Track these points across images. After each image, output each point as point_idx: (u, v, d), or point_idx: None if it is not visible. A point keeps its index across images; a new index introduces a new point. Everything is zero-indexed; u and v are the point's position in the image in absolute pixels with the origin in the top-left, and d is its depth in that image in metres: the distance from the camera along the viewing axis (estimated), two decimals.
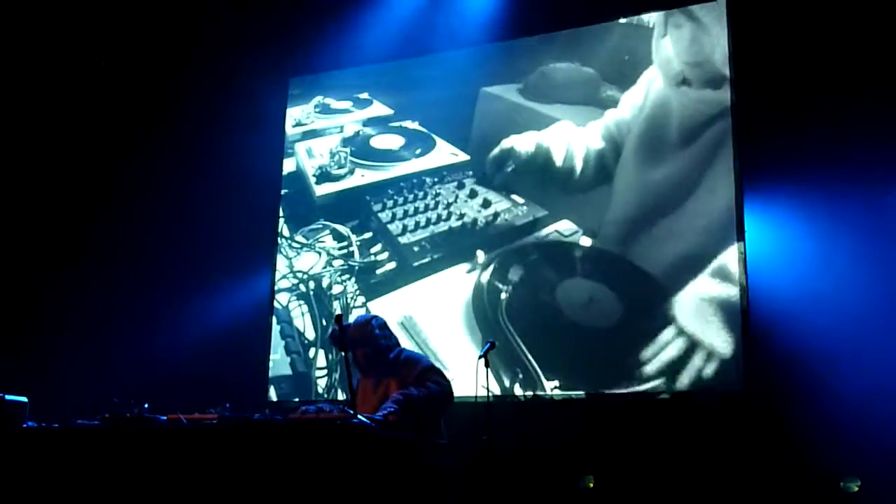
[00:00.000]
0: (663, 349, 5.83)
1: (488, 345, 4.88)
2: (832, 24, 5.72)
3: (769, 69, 5.87)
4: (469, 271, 6.62)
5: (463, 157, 6.94)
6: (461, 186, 6.86)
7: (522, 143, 6.69)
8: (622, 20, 6.51)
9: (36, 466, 4.34)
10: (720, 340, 5.70)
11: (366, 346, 4.60)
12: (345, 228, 7.25)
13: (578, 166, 6.45)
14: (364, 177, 7.29)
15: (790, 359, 5.43)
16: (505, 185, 6.71)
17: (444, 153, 7.02)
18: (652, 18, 6.39)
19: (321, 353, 7.03)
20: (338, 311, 6.90)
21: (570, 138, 6.52)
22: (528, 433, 5.89)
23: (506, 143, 6.75)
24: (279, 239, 7.52)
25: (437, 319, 6.61)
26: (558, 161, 6.52)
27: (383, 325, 4.72)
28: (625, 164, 6.30)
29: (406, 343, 6.54)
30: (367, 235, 7.13)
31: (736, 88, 5.98)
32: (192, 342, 7.22)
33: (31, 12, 7.44)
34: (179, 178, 7.77)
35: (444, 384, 4.45)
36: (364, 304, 6.92)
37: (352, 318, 5.41)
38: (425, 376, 4.44)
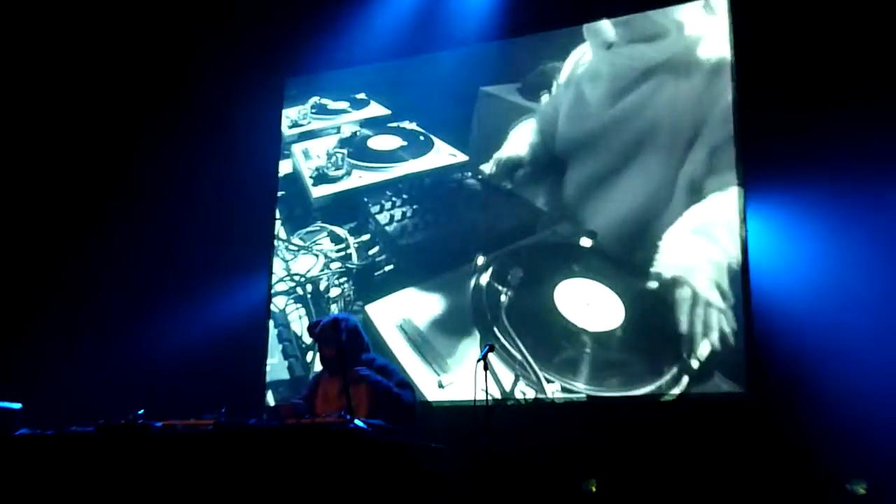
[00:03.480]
0: (666, 351, 5.86)
1: (487, 347, 4.93)
2: (838, 19, 5.72)
3: (773, 66, 5.89)
4: (468, 273, 6.65)
5: (462, 157, 6.98)
6: (460, 187, 6.90)
7: (521, 143, 6.74)
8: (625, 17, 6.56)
9: (29, 474, 4.38)
10: (724, 342, 5.73)
11: (337, 346, 4.69)
12: (342, 230, 7.29)
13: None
14: (361, 178, 7.33)
15: (795, 361, 5.44)
16: (504, 185, 6.75)
17: (443, 154, 7.07)
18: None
19: (318, 357, 7.05)
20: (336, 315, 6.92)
21: None
22: (529, 437, 5.90)
23: (505, 144, 6.79)
24: (276, 241, 7.56)
25: (436, 322, 6.65)
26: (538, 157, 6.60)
27: (353, 329, 4.82)
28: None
29: (405, 347, 6.61)
30: (365, 237, 7.17)
31: (738, 86, 6.02)
32: (186, 346, 7.25)
33: (25, 14, 7.50)
34: (174, 180, 7.80)
35: (414, 400, 4.56)
36: (362, 308, 6.97)
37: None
38: (400, 387, 4.56)
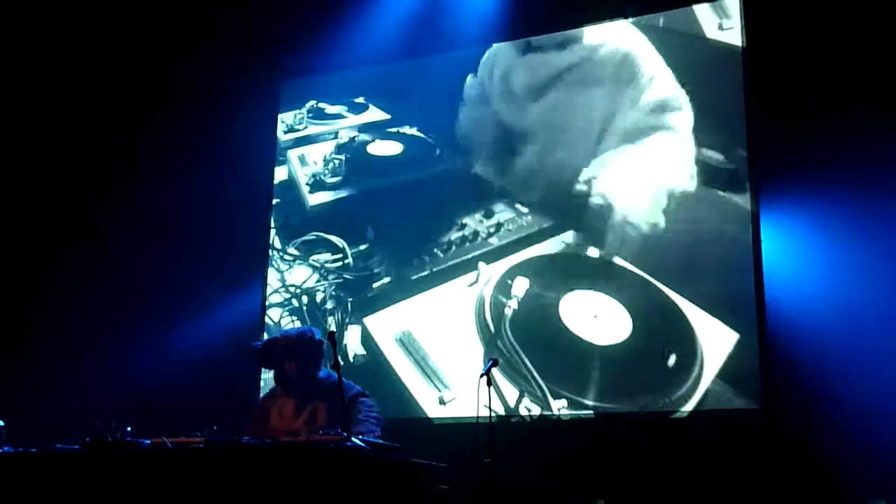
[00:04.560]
0: (676, 365, 5.81)
1: (491, 362, 4.87)
2: (853, 23, 5.73)
3: (786, 66, 5.88)
4: (471, 284, 6.60)
5: (464, 164, 6.92)
6: (462, 195, 6.85)
7: (527, 148, 6.69)
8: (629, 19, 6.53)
9: (13, 494, 4.32)
10: (736, 355, 5.68)
11: (300, 360, 4.68)
12: (339, 240, 7.23)
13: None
14: (360, 185, 7.28)
15: (810, 374, 5.42)
16: (509, 193, 6.69)
17: (444, 160, 7.00)
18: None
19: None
20: (332, 328, 6.87)
21: None
22: (534, 455, 5.86)
23: (510, 150, 6.74)
24: (270, 251, 7.51)
25: (437, 335, 6.59)
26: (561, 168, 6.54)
27: (320, 342, 4.77)
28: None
29: (405, 361, 6.57)
30: (363, 247, 7.11)
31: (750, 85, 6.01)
32: (177, 361, 7.20)
33: (20, 19, 7.48)
34: (165, 187, 7.75)
35: (380, 418, 4.56)
36: (360, 320, 6.90)
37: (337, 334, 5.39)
38: (361, 409, 4.48)
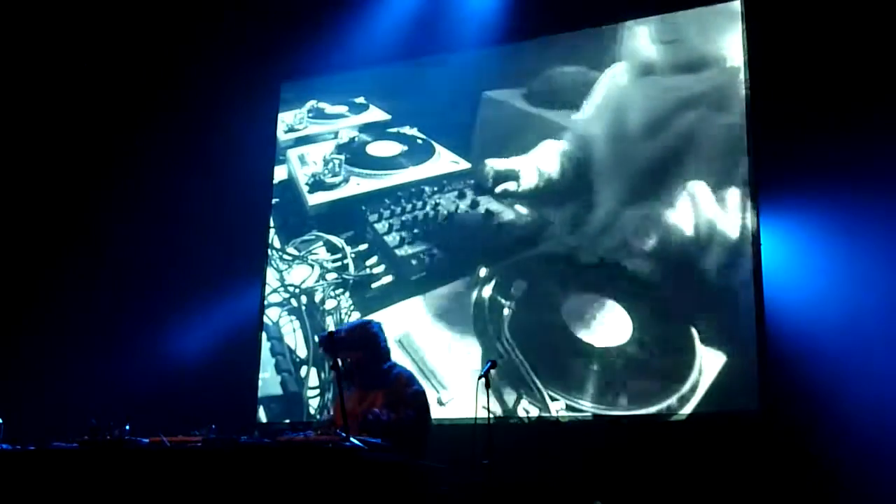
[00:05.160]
0: (675, 368, 5.81)
1: (489, 363, 4.88)
2: (852, 30, 5.73)
3: (786, 74, 5.88)
4: (470, 286, 6.60)
5: (464, 165, 6.93)
6: (462, 196, 6.85)
7: (527, 150, 6.69)
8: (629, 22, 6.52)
9: (10, 491, 4.33)
10: (735, 358, 5.68)
11: (364, 350, 4.69)
12: (339, 240, 7.24)
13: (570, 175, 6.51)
14: (360, 185, 7.28)
15: (808, 377, 5.41)
16: (508, 195, 6.69)
17: (445, 161, 7.02)
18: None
19: (313, 371, 7.00)
20: (331, 328, 6.85)
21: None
22: (532, 457, 5.85)
23: (509, 151, 6.74)
24: (270, 250, 7.51)
25: (436, 336, 6.60)
26: (561, 171, 6.53)
27: (381, 329, 4.80)
28: (603, 171, 6.36)
29: (404, 361, 6.55)
30: (363, 247, 7.11)
31: (752, 96, 6.00)
32: (175, 360, 7.22)
33: (20, 21, 7.48)
34: (165, 187, 7.76)
35: (416, 416, 4.55)
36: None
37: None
38: (415, 402, 4.50)
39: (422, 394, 4.69)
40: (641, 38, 6.46)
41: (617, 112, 6.41)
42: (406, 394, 4.56)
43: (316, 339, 5.19)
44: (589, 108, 6.52)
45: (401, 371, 4.83)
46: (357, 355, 4.71)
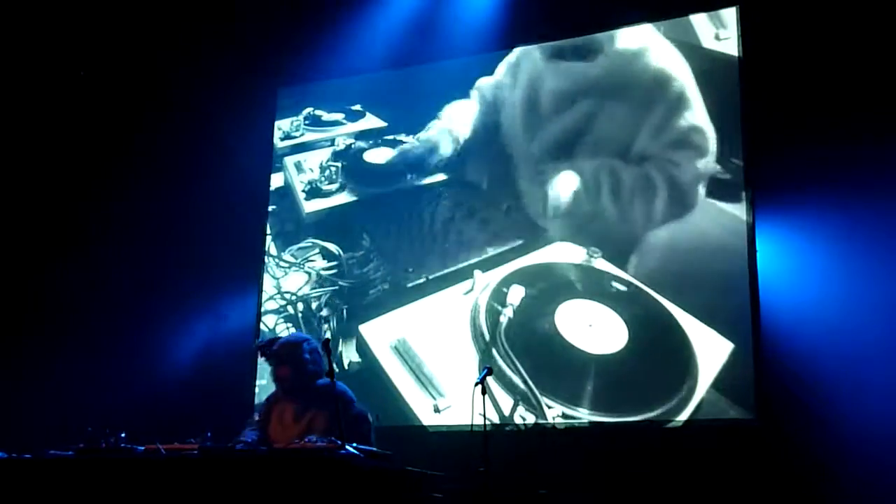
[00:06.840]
0: (671, 375, 5.83)
1: (486, 370, 4.89)
2: (847, 31, 5.76)
3: (782, 77, 5.92)
4: (466, 293, 6.61)
5: (460, 172, 6.95)
6: (458, 204, 6.88)
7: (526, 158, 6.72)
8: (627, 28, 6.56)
9: (6, 500, 4.33)
10: (731, 365, 5.70)
11: (291, 366, 4.73)
12: (335, 247, 7.25)
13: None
14: (356, 193, 7.31)
15: (805, 384, 5.45)
16: (505, 201, 6.70)
17: (440, 168, 7.04)
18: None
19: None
20: (327, 335, 6.88)
21: None
22: (529, 464, 5.86)
23: (509, 158, 6.78)
24: (266, 258, 7.52)
25: (432, 343, 6.61)
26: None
27: (314, 350, 4.81)
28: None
29: (400, 368, 6.58)
30: (359, 254, 7.13)
31: (746, 95, 6.05)
32: (171, 367, 7.22)
33: (16, 24, 7.50)
34: (161, 194, 7.75)
35: (370, 433, 4.60)
36: (355, 327, 6.92)
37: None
38: (356, 426, 4.50)
39: (363, 418, 4.69)
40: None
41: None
42: (347, 418, 4.52)
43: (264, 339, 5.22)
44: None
45: (342, 391, 4.74)
46: (285, 371, 4.76)
